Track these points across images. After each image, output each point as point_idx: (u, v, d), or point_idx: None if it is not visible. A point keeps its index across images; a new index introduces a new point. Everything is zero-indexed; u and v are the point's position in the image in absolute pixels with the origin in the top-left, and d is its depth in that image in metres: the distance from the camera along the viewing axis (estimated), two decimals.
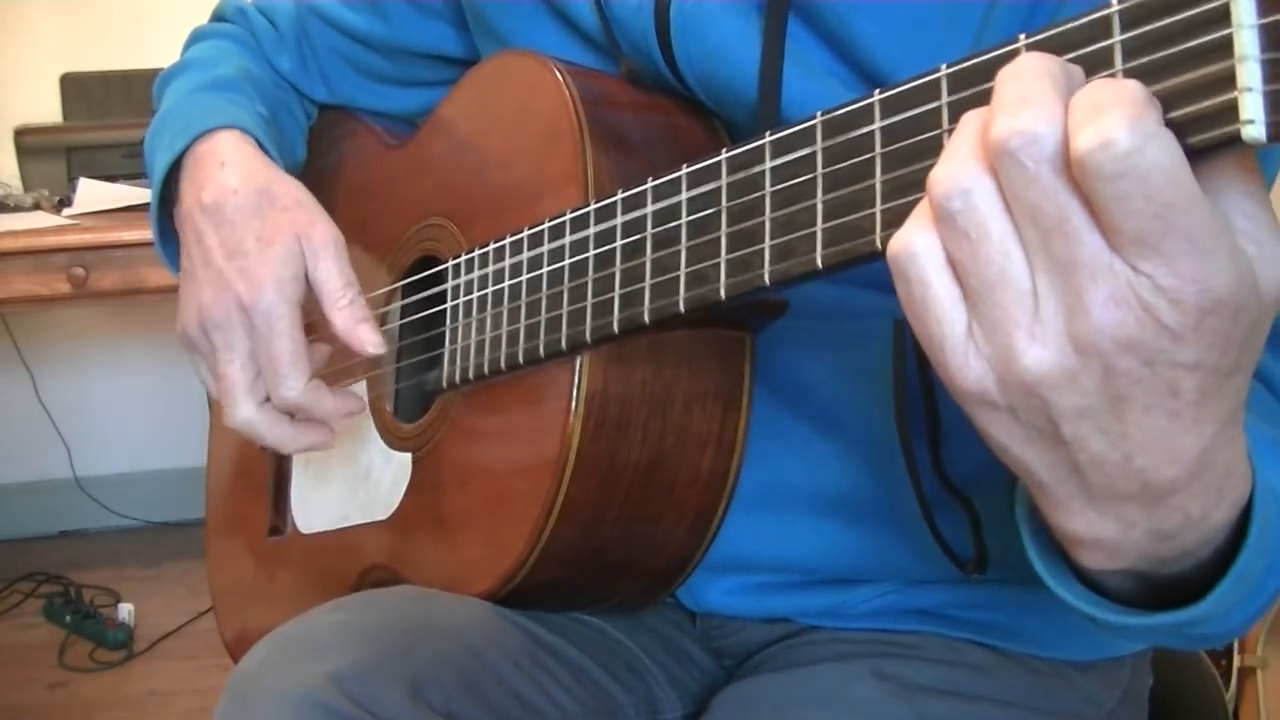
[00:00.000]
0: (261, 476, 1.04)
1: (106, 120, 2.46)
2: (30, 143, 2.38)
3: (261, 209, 0.83)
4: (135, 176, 2.25)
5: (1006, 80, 0.41)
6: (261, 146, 0.89)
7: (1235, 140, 0.38)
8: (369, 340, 0.81)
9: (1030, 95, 0.40)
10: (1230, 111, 0.38)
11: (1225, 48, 0.38)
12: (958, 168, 0.42)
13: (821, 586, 0.80)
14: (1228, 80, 0.38)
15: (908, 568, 0.77)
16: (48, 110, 2.57)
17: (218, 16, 1.06)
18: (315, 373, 0.83)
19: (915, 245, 0.43)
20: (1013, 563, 0.73)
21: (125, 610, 2.49)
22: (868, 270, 0.52)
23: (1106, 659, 0.81)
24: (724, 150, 0.59)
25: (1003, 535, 0.73)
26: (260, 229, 0.82)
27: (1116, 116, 0.38)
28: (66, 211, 2.19)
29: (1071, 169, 0.39)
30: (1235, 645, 1.62)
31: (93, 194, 2.19)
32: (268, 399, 0.82)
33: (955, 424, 0.71)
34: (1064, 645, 0.79)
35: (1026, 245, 0.41)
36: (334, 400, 0.83)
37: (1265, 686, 1.61)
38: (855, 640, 0.79)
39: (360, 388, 0.93)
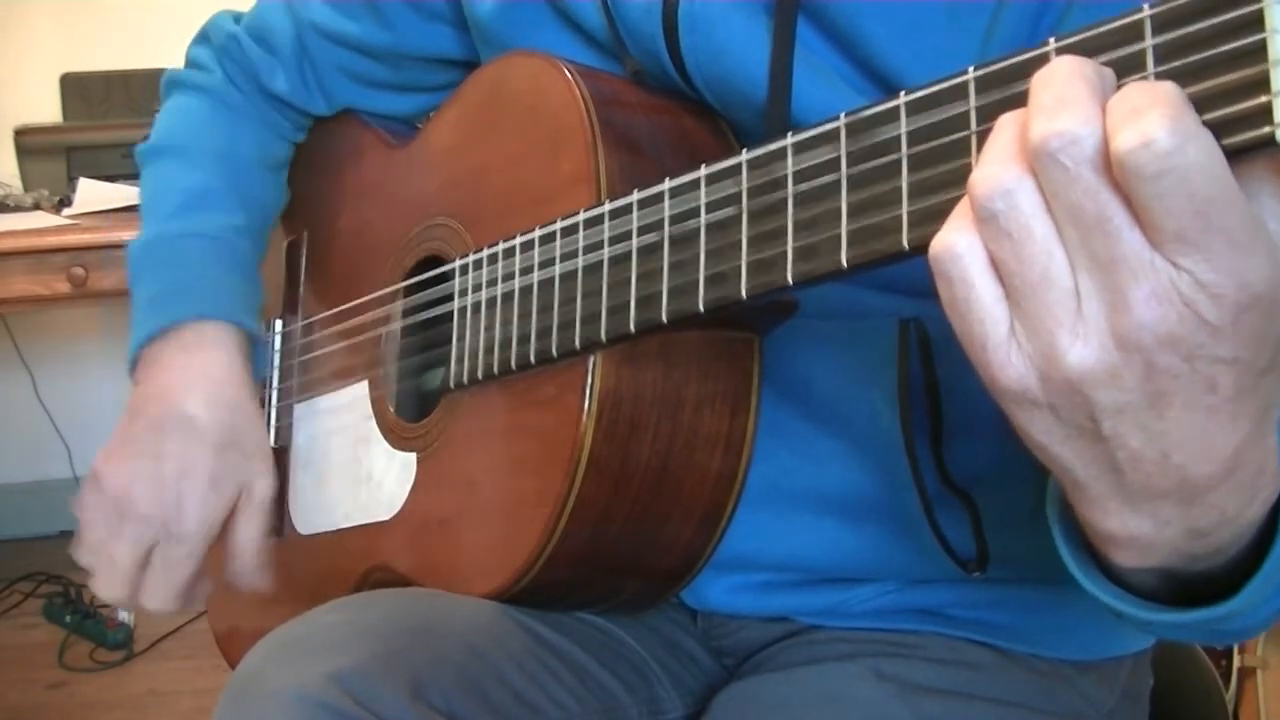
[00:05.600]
0: None
1: (106, 120, 2.45)
2: (30, 143, 2.37)
3: (228, 449, 0.88)
4: (135, 177, 2.23)
5: (1042, 83, 0.42)
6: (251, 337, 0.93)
7: (1269, 142, 0.38)
8: (255, 587, 0.91)
9: (1067, 98, 0.41)
10: (1264, 114, 0.38)
11: (1259, 52, 0.38)
12: (999, 169, 0.42)
13: (823, 585, 0.80)
14: (1261, 84, 0.38)
15: (909, 567, 0.77)
16: (48, 110, 2.56)
17: (204, 38, 1.05)
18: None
19: (958, 246, 0.44)
20: (1014, 562, 0.73)
21: (125, 610, 2.49)
22: (875, 271, 0.52)
23: (1106, 659, 0.81)
24: (744, 152, 0.59)
25: (1003, 534, 0.73)
26: (218, 470, 0.87)
27: (1156, 117, 0.38)
28: (66, 211, 2.18)
29: (1111, 169, 0.40)
30: (1235, 645, 1.62)
31: (93, 194, 2.19)
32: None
33: (958, 424, 0.71)
34: (1064, 645, 0.79)
35: (1068, 245, 0.42)
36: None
37: (1265, 686, 1.61)
38: (856, 640, 0.79)
39: (362, 387, 0.93)
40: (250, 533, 0.90)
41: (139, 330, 0.91)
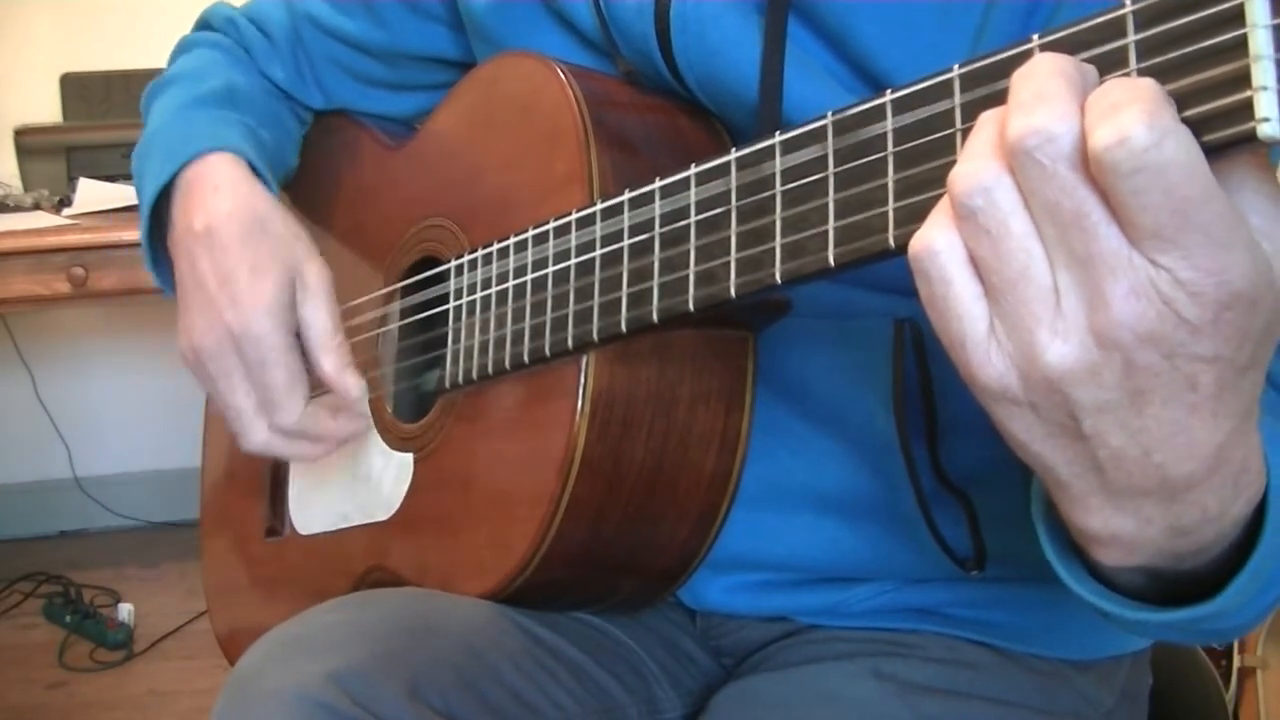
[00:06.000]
0: (257, 477, 1.04)
1: (106, 120, 2.45)
2: (30, 143, 2.38)
3: (255, 238, 0.84)
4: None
5: (1021, 80, 0.42)
6: (255, 169, 0.88)
7: (1250, 138, 0.38)
8: (353, 385, 0.83)
9: (1045, 94, 0.40)
10: (1245, 110, 0.38)
11: (1240, 47, 0.38)
12: (978, 166, 0.42)
13: (821, 585, 0.80)
14: (1243, 79, 0.38)
15: (907, 566, 0.77)
16: (48, 110, 2.56)
17: (204, 24, 1.04)
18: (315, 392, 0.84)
19: (936, 243, 0.44)
20: (1011, 561, 0.73)
21: (125, 610, 2.49)
22: (869, 271, 0.52)
23: (1105, 658, 0.81)
24: (732, 150, 0.59)
25: (1001, 533, 0.73)
26: (254, 258, 0.83)
27: (1134, 113, 0.38)
28: (66, 211, 2.19)
29: (1089, 166, 0.40)
30: (1235, 645, 1.62)
31: (93, 194, 2.19)
32: None
33: (953, 423, 0.71)
34: (1063, 644, 0.79)
35: (1046, 242, 0.42)
36: (335, 423, 0.84)
37: (1265, 686, 1.61)
38: (854, 639, 0.80)
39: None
40: (321, 319, 0.83)
41: (146, 196, 0.88)
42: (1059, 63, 0.41)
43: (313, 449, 0.85)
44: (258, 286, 0.82)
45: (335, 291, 0.86)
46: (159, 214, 0.89)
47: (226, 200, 0.84)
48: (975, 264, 0.43)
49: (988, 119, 0.43)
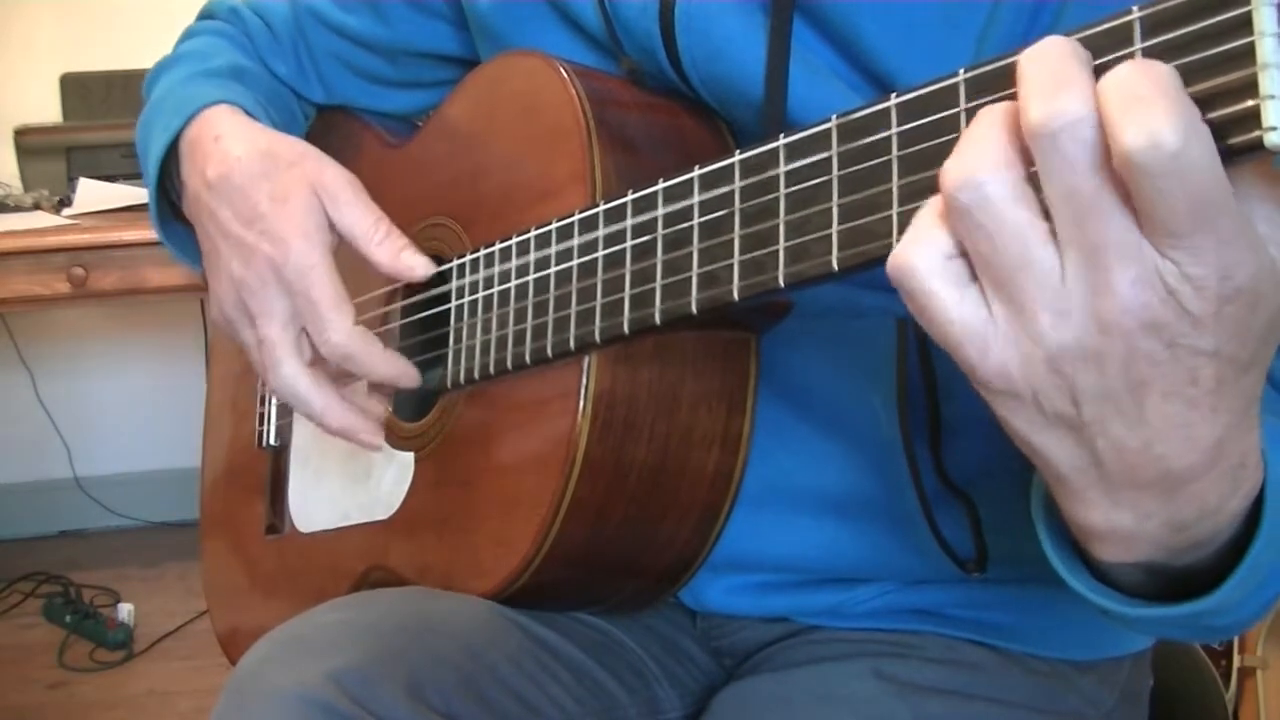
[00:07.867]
0: (258, 475, 1.04)
1: (106, 120, 2.45)
2: (30, 143, 2.38)
3: (268, 170, 0.83)
4: (135, 176, 2.25)
5: (1033, 63, 0.41)
6: (250, 114, 0.89)
7: (1258, 146, 0.39)
8: (417, 265, 0.81)
9: (1064, 78, 0.41)
10: (1253, 118, 0.38)
11: (1248, 55, 0.38)
12: (971, 161, 0.43)
13: (822, 586, 0.80)
14: (1250, 87, 0.38)
15: (908, 567, 0.77)
16: (48, 110, 2.57)
17: (207, 14, 1.04)
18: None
19: (912, 259, 0.44)
20: (1013, 562, 0.73)
21: (125, 610, 2.49)
22: (872, 271, 0.52)
23: (1106, 659, 0.81)
24: (737, 153, 0.59)
25: (1003, 534, 0.73)
26: (272, 189, 0.82)
27: (1162, 113, 0.38)
28: (66, 211, 2.19)
29: (1107, 151, 0.40)
30: (1235, 645, 1.63)
31: (92, 194, 2.20)
32: (313, 362, 0.81)
33: (957, 423, 0.72)
34: (1063, 645, 0.79)
35: (1058, 225, 0.42)
36: (384, 356, 0.81)
37: (1265, 686, 1.61)
38: (855, 640, 0.80)
39: (362, 387, 0.93)
40: (357, 219, 0.81)
41: (153, 156, 0.88)
42: (1070, 45, 0.41)
43: (336, 406, 0.82)
44: (286, 213, 0.80)
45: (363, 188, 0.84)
46: (169, 181, 0.90)
47: (233, 145, 0.84)
48: (970, 259, 0.44)
49: (984, 113, 0.43)
